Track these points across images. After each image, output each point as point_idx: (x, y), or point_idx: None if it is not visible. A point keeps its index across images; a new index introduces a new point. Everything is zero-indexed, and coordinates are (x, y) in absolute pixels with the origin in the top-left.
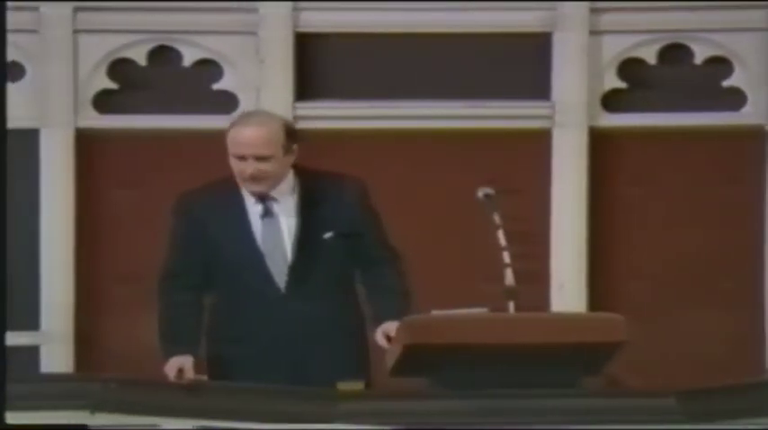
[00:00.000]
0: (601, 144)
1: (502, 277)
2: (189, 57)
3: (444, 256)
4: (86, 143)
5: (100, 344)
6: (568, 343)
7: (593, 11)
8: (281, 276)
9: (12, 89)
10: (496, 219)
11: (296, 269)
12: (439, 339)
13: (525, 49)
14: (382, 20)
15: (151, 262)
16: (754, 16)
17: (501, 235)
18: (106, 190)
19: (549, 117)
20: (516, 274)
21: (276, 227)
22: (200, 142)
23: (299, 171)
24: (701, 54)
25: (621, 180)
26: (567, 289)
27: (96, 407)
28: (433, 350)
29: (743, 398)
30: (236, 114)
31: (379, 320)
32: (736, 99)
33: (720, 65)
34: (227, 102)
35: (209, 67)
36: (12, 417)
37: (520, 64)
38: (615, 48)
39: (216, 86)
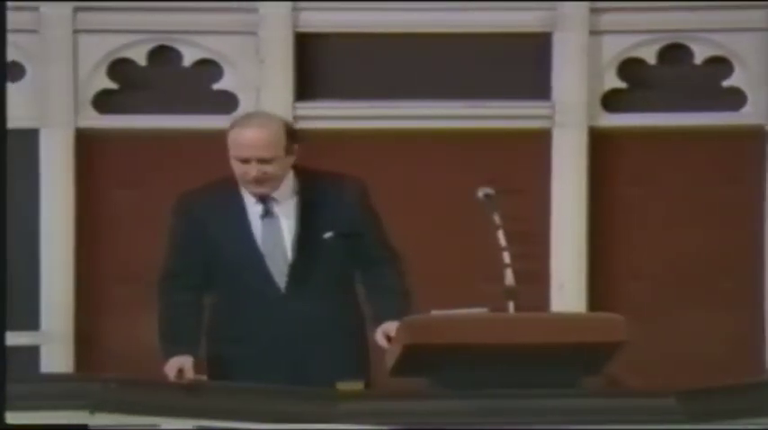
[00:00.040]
0: (601, 144)
1: (502, 277)
2: (189, 57)
3: (444, 256)
4: (86, 143)
5: (100, 344)
6: (568, 343)
7: (593, 11)
8: (281, 276)
9: (12, 89)
10: (496, 219)
11: (296, 269)
12: (439, 339)
13: (525, 49)
14: (382, 20)
15: (151, 262)
16: (754, 16)
17: (501, 235)
18: (106, 190)
19: (549, 117)
20: (516, 274)
21: (276, 227)
22: (200, 142)
23: (299, 171)
24: (700, 54)
25: (621, 180)
26: (567, 289)
27: (96, 407)
28: (432, 350)
29: (743, 398)
30: (236, 114)
31: (379, 320)
32: (736, 99)
33: (720, 65)
34: (227, 102)
35: (209, 67)
36: (12, 417)
37: (520, 64)
38: (615, 48)
39: (216, 86)
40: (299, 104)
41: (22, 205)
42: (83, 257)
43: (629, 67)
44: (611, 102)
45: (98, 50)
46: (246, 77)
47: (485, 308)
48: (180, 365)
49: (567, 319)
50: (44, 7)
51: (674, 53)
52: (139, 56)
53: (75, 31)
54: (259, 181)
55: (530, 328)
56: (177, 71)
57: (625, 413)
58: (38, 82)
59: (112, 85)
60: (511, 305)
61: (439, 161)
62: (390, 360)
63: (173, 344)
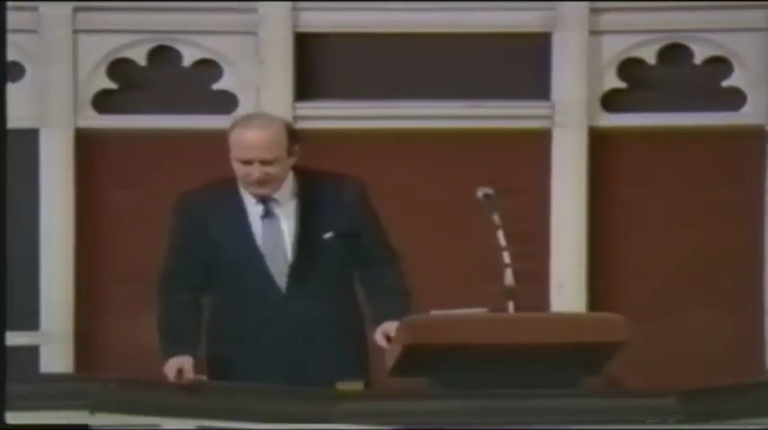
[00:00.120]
0: (600, 144)
1: (502, 277)
2: (189, 57)
3: (444, 256)
4: (86, 143)
5: (100, 344)
6: (568, 343)
7: (593, 11)
8: (281, 276)
9: (12, 89)
10: (496, 219)
11: (296, 269)
12: (439, 339)
13: (525, 49)
14: (382, 20)
15: (151, 262)
16: (754, 16)
17: (501, 235)
18: (106, 190)
19: (549, 117)
20: (516, 274)
21: (276, 227)
22: (201, 142)
23: (299, 171)
24: (700, 54)
25: (621, 180)
26: (567, 289)
27: (96, 407)
28: (432, 350)
29: (743, 398)
30: (235, 114)
31: (379, 320)
32: (735, 99)
33: (720, 65)
34: (226, 102)
35: (208, 67)
36: (12, 417)
37: (520, 64)
38: (615, 48)
39: (216, 86)
40: (298, 104)
41: (22, 205)
42: (83, 257)
43: (628, 67)
44: (611, 102)
45: (98, 50)
46: (246, 77)
47: (485, 308)
48: (180, 365)
49: (567, 319)
50: (44, 7)
51: (674, 53)
52: (139, 56)
53: (75, 31)
54: (261, 182)
55: (530, 328)
56: (177, 71)
57: (625, 413)
58: (38, 82)
59: (112, 85)
60: (511, 305)
61: (439, 161)
62: (390, 360)
63: (172, 344)
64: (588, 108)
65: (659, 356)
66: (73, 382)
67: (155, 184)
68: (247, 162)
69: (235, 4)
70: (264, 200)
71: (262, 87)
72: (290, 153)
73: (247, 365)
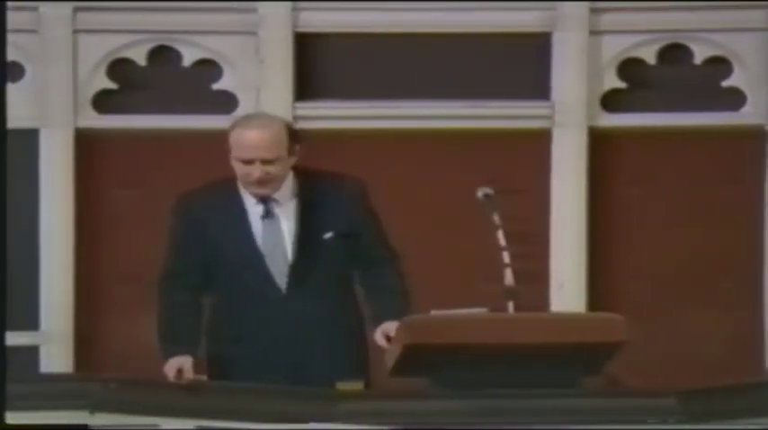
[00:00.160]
0: (600, 144)
1: (502, 277)
2: (189, 57)
3: (444, 256)
4: (86, 143)
5: (100, 344)
6: (568, 343)
7: (593, 11)
8: (281, 276)
9: (12, 89)
10: (496, 219)
11: (296, 269)
12: (439, 339)
13: (525, 49)
14: (382, 20)
15: (151, 262)
16: (754, 16)
17: (501, 235)
18: (106, 190)
19: (549, 117)
20: (516, 274)
21: (276, 227)
22: (200, 142)
23: (299, 171)
24: (700, 54)
25: (621, 180)
26: (567, 289)
27: (96, 407)
28: (432, 350)
29: (743, 398)
30: (235, 114)
31: (379, 320)
32: (735, 99)
33: (720, 65)
34: (226, 102)
35: (208, 67)
36: (12, 417)
37: (520, 64)
38: (615, 48)
39: (216, 86)
40: (298, 104)
41: (22, 205)
42: (83, 257)
43: (628, 67)
44: (611, 102)
45: (98, 50)
46: (246, 77)
47: (485, 308)
48: (179, 365)
49: (567, 319)
50: (44, 7)
51: (674, 53)
52: (139, 56)
53: (75, 31)
54: (262, 182)
55: (530, 328)
56: (177, 71)
57: (625, 413)
58: (38, 82)
59: (112, 85)
60: (511, 305)
61: (439, 161)
62: (390, 360)
63: (172, 344)
64: (588, 108)
65: (659, 356)
66: (73, 382)
67: (155, 184)
68: (248, 162)
69: (235, 4)
70: (264, 200)
71: (262, 87)
72: (290, 153)
73: (247, 365)
